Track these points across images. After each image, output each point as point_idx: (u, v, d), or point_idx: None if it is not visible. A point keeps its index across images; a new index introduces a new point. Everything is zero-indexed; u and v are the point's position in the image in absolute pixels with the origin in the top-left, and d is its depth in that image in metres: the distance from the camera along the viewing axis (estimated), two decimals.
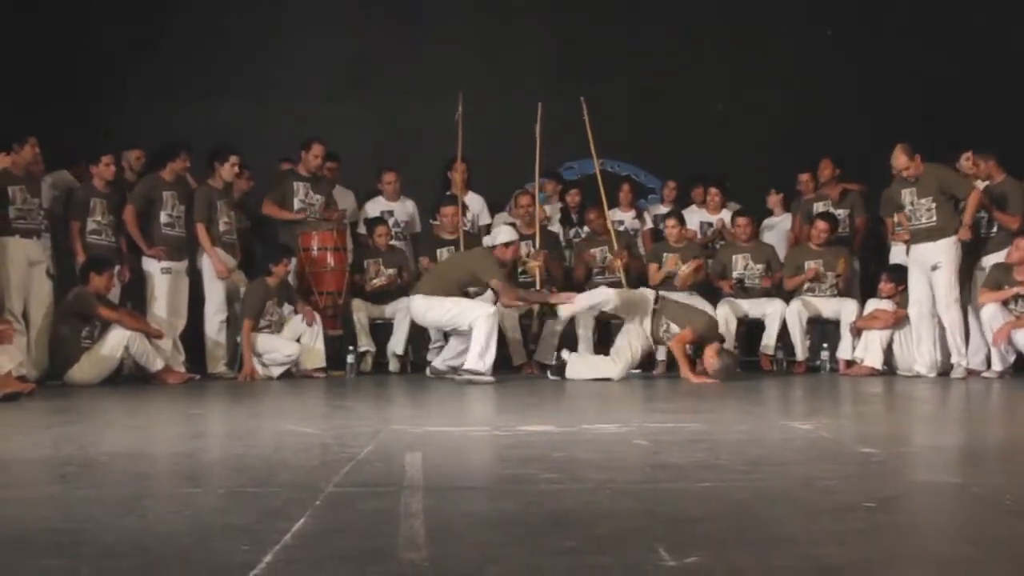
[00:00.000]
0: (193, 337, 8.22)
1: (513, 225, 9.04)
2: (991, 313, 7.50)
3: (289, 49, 10.28)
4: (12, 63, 9.34)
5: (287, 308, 8.17)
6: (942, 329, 7.80)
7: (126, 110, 9.76)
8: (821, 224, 8.58)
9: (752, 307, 8.67)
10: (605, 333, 8.92)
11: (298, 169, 8.63)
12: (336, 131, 9.71)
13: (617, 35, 10.52)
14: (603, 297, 7.76)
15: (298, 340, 8.04)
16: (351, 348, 8.27)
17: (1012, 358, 7.55)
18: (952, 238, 7.64)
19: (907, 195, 7.84)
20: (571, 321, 8.18)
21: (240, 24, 10.28)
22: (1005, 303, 7.55)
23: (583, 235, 9.17)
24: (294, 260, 8.30)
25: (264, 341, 7.92)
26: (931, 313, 7.78)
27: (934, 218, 7.71)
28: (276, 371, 7.94)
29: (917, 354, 7.88)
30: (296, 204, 8.54)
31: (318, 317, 8.10)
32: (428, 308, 7.56)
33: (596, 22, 10.58)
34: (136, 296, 8.12)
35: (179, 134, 8.50)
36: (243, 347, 7.86)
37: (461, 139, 8.67)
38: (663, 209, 9.56)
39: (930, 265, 7.72)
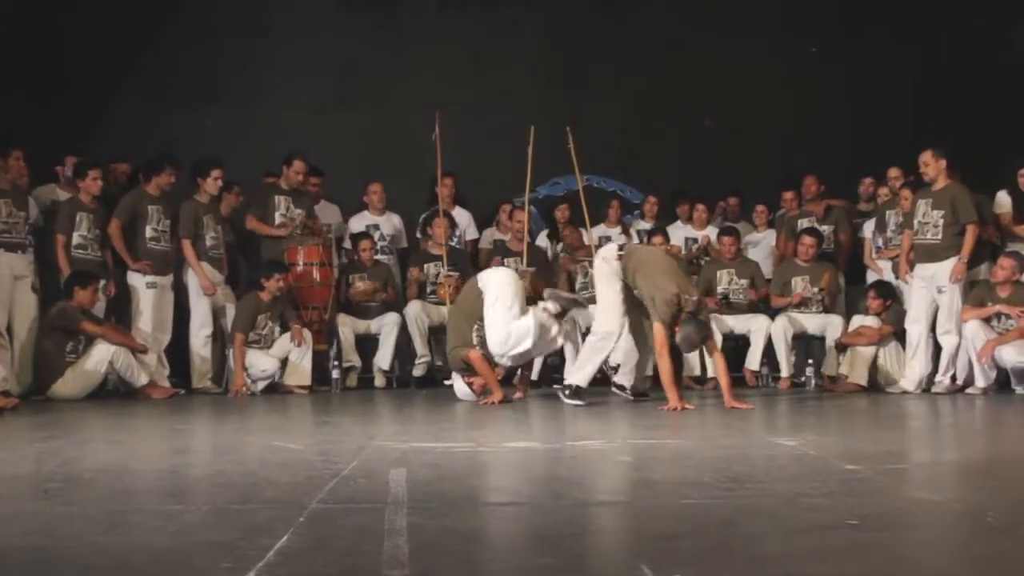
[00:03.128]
0: (178, 352, 8.20)
1: (503, 241, 9.07)
2: (973, 330, 7.53)
3: (278, 61, 10.28)
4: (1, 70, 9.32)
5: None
6: (935, 347, 7.84)
7: (114, 121, 9.74)
8: (808, 239, 8.62)
9: (737, 323, 8.69)
10: None
11: (279, 183, 8.63)
12: (323, 144, 9.73)
13: (606, 51, 10.54)
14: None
15: (286, 358, 8.01)
16: (336, 363, 8.25)
17: (994, 374, 7.57)
18: (956, 258, 7.66)
19: (922, 205, 7.81)
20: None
21: (228, 36, 10.27)
22: (988, 320, 7.59)
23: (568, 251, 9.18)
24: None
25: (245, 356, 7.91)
26: (930, 331, 7.82)
27: (939, 236, 7.71)
28: (259, 385, 7.93)
29: (907, 370, 7.89)
30: (277, 218, 8.55)
31: (308, 336, 8.08)
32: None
33: (585, 37, 10.60)
34: (121, 311, 8.09)
35: (167, 145, 8.51)
36: (235, 362, 7.84)
37: (440, 157, 8.67)
38: (645, 225, 9.59)
39: (936, 286, 7.74)
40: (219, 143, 9.01)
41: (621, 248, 6.91)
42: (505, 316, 6.89)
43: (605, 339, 6.72)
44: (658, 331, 6.53)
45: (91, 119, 9.64)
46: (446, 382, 7.68)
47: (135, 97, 9.95)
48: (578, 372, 6.74)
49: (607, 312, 6.74)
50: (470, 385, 6.99)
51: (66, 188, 8.16)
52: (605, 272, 6.78)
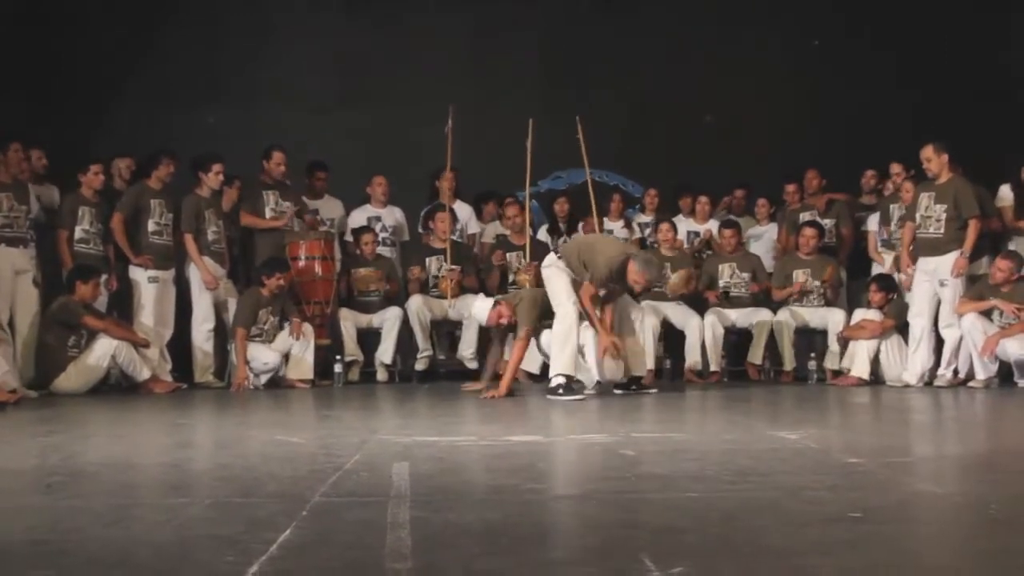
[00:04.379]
0: (180, 346, 8.20)
1: (505, 236, 9.06)
2: (970, 322, 7.53)
3: (278, 59, 10.27)
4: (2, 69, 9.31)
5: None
6: (937, 340, 7.85)
7: (115, 119, 9.73)
8: (808, 231, 8.62)
9: (739, 317, 8.70)
10: None
11: (263, 178, 8.61)
12: (324, 141, 9.74)
13: (607, 46, 10.53)
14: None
15: (288, 352, 8.02)
16: (338, 357, 8.25)
17: (995, 367, 7.57)
18: (958, 252, 7.66)
19: (924, 199, 7.81)
20: None
21: (229, 34, 10.28)
22: (989, 313, 7.59)
23: None
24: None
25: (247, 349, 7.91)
26: (932, 324, 7.82)
27: (941, 230, 7.71)
28: (261, 379, 7.92)
29: (909, 363, 7.89)
30: (268, 213, 8.56)
31: (309, 330, 8.08)
32: None
33: (586, 33, 10.59)
34: (123, 305, 8.09)
35: (169, 142, 8.48)
36: (236, 356, 7.84)
37: (451, 151, 8.67)
38: (645, 218, 9.58)
39: (938, 279, 7.75)
40: (220, 141, 9.00)
41: (556, 251, 7.19)
42: None
43: (564, 319, 6.76)
44: (587, 287, 6.85)
45: (92, 118, 9.63)
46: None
47: (136, 96, 9.94)
48: (556, 361, 6.73)
49: (561, 298, 6.83)
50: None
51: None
52: (555, 273, 6.92)
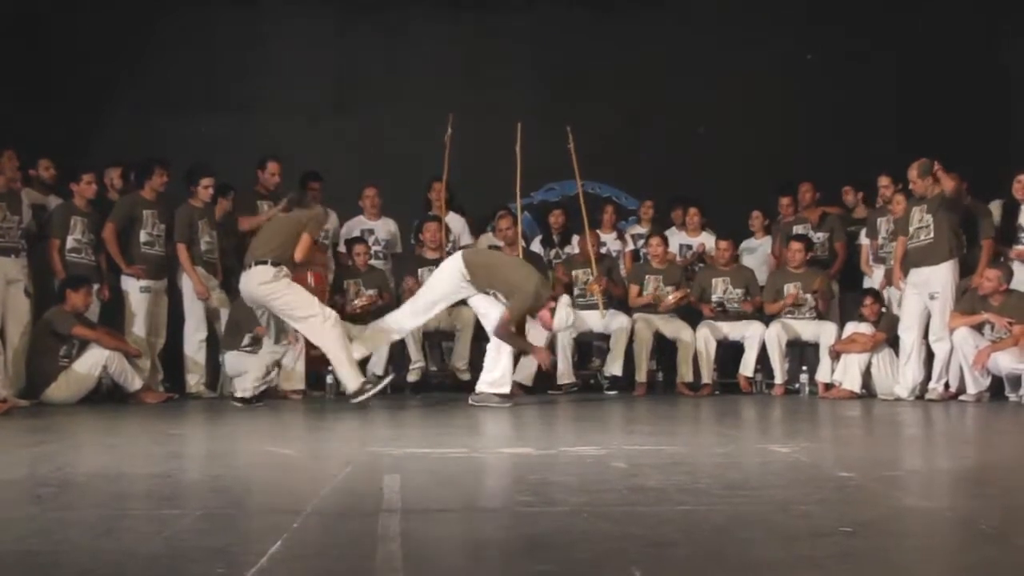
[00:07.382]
0: (172, 357, 8.19)
1: (499, 247, 9.06)
2: (962, 337, 7.55)
3: (273, 67, 10.29)
4: None
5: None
6: (928, 353, 7.86)
7: (109, 127, 9.73)
8: (795, 245, 8.63)
9: (731, 330, 8.70)
10: (586, 351, 8.99)
11: (258, 188, 8.61)
12: (320, 150, 9.74)
13: (601, 57, 10.57)
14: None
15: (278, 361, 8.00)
16: (330, 368, 8.23)
17: (987, 381, 7.58)
18: (950, 263, 7.69)
19: (916, 212, 7.84)
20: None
21: (225, 41, 10.29)
22: (980, 327, 7.61)
23: (564, 256, 9.18)
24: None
25: (236, 361, 7.88)
26: (923, 337, 7.83)
27: (931, 235, 7.74)
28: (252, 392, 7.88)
29: (900, 376, 7.90)
30: None
31: (301, 338, 8.06)
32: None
33: (580, 44, 10.62)
34: (115, 315, 8.08)
35: (163, 151, 8.48)
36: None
37: (448, 160, 8.67)
38: (640, 230, 9.59)
39: (928, 292, 7.76)
40: (215, 149, 9.01)
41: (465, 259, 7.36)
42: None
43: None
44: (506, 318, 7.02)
45: (86, 125, 9.62)
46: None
47: (131, 103, 9.94)
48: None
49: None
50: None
51: (40, 190, 8.12)
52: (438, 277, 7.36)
